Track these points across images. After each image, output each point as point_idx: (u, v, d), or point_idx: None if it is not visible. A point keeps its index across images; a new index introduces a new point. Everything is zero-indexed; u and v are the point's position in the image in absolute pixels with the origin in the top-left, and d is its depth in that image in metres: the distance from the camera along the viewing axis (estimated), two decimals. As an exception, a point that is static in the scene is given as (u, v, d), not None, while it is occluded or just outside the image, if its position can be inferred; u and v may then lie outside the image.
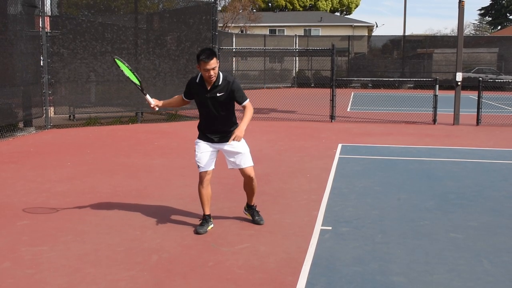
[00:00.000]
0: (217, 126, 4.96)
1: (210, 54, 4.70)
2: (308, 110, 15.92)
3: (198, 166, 4.98)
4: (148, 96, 5.10)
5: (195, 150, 5.02)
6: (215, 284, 3.85)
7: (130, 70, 5.15)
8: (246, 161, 5.00)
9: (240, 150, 4.96)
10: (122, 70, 5.12)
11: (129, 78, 5.13)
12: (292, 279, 3.93)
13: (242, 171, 5.03)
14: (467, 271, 4.10)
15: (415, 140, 10.93)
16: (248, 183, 5.13)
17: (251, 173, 5.04)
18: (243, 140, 4.92)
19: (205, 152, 4.97)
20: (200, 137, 5.06)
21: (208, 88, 4.84)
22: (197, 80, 4.92)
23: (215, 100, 4.85)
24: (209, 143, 5.00)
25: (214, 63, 4.70)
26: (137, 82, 5.10)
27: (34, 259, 4.29)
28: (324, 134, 11.73)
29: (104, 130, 12.18)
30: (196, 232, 4.92)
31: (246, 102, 4.91)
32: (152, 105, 5.09)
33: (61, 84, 12.63)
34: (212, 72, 4.72)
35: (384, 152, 9.48)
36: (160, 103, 5.14)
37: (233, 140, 4.70)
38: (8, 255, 4.36)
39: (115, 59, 5.10)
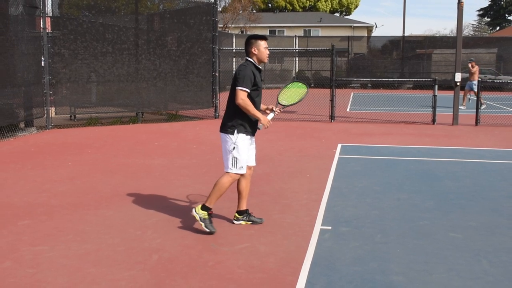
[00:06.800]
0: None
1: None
2: (308, 110, 15.92)
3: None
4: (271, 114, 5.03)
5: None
6: (215, 283, 3.86)
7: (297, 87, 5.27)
8: (225, 162, 4.97)
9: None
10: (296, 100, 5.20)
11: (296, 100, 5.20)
12: (292, 278, 3.94)
13: None
14: (467, 270, 4.12)
15: (415, 140, 10.95)
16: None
17: (223, 175, 4.93)
18: (228, 143, 4.87)
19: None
20: (244, 131, 4.89)
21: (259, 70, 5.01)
22: (253, 67, 4.92)
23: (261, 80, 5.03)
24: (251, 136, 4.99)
25: None
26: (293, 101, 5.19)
27: (35, 258, 4.30)
28: (324, 134, 11.74)
29: (105, 130, 12.20)
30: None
31: None
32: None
33: (62, 85, 12.64)
34: (268, 51, 5.05)
35: (383, 152, 9.50)
36: (266, 119, 4.93)
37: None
38: (9, 255, 4.38)
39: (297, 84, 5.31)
